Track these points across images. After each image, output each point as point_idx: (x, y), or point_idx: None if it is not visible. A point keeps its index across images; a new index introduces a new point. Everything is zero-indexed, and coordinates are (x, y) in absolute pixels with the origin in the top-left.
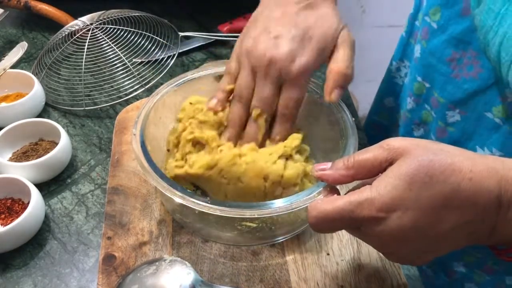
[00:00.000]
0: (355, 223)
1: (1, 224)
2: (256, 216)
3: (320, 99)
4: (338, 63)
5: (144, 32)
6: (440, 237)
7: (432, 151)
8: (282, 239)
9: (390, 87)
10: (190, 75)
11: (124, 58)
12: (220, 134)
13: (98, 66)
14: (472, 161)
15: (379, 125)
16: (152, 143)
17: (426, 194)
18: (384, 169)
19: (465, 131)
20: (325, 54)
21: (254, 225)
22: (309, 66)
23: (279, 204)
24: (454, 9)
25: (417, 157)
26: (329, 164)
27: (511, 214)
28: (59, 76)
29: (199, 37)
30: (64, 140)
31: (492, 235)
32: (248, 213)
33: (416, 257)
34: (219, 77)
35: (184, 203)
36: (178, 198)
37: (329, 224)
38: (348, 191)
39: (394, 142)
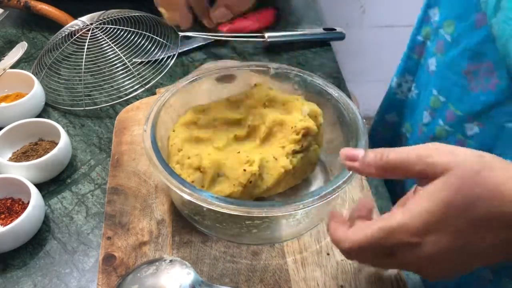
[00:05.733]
0: (388, 250)
1: (1, 224)
2: (263, 215)
3: (329, 101)
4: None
5: (144, 32)
6: (478, 254)
7: (474, 172)
8: (287, 239)
9: (391, 103)
10: (202, 74)
11: (124, 58)
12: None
13: (98, 66)
14: None
15: (382, 138)
16: (162, 140)
17: (464, 219)
18: (417, 178)
19: (484, 143)
20: None
21: (260, 221)
22: None
23: (287, 204)
24: (468, 21)
25: (456, 179)
26: (360, 152)
27: None
28: (59, 76)
29: (199, 37)
30: (64, 140)
31: None
32: (256, 212)
33: (451, 273)
34: (221, 78)
35: (192, 200)
36: (186, 194)
37: (362, 255)
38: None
39: (436, 157)
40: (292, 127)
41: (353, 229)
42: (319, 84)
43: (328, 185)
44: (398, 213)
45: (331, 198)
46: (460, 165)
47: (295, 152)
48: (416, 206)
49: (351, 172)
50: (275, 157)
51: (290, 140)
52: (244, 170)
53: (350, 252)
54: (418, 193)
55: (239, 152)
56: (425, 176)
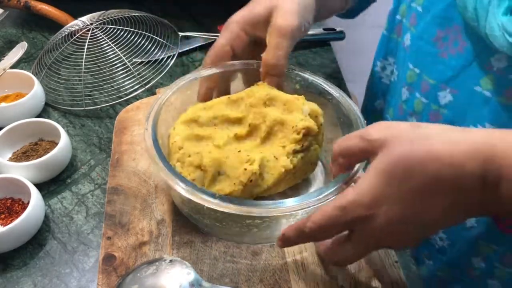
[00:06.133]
0: (346, 227)
1: (1, 224)
2: (264, 215)
3: (330, 101)
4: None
5: (144, 32)
6: (432, 221)
7: (409, 142)
8: None
9: (378, 89)
10: (203, 72)
11: (124, 58)
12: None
13: (98, 66)
14: (452, 145)
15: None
16: (163, 139)
17: (406, 187)
18: (366, 157)
19: (457, 110)
20: None
21: (260, 221)
22: None
23: (288, 204)
24: None
25: (394, 151)
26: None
27: (502, 191)
28: (59, 76)
29: (199, 37)
30: (64, 140)
31: (485, 211)
32: (256, 211)
33: (412, 240)
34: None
35: (193, 199)
36: (186, 193)
37: (323, 232)
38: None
39: (374, 134)
40: (292, 127)
41: (313, 213)
42: (320, 84)
43: (328, 185)
44: (349, 191)
45: (331, 198)
46: (396, 137)
47: (295, 152)
48: (363, 182)
49: (351, 173)
50: (275, 157)
51: (291, 139)
52: (245, 169)
53: (312, 234)
54: (366, 172)
55: (239, 151)
56: (369, 154)
